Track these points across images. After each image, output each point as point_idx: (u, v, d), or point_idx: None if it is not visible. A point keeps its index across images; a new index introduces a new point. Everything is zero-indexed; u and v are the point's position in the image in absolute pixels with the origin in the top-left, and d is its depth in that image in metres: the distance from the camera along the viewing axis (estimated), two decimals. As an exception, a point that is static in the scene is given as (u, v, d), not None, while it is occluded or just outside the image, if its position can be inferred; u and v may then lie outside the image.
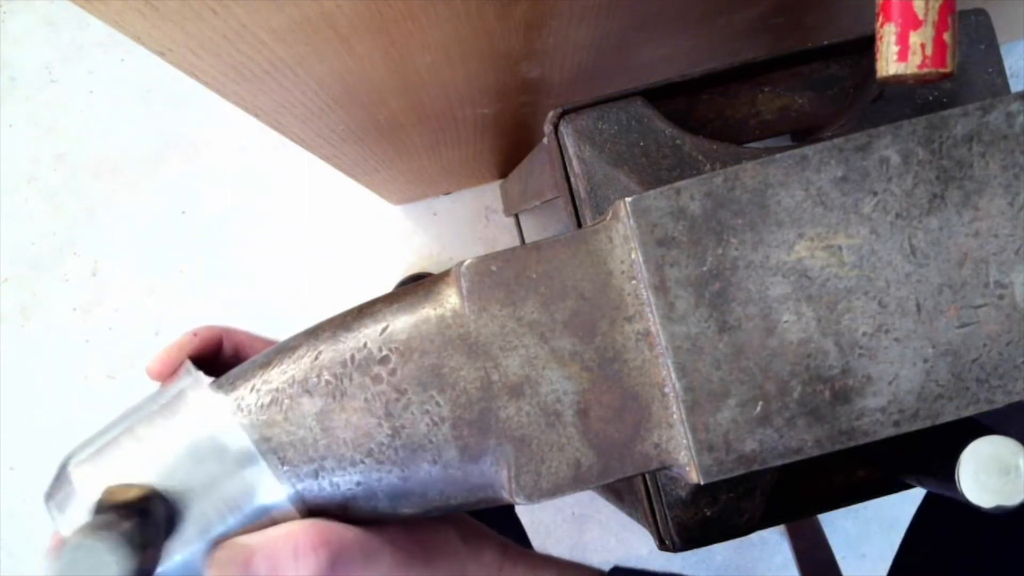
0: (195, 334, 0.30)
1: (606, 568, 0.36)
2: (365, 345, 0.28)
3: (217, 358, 0.31)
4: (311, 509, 0.27)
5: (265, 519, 0.27)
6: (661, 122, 0.44)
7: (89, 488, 0.26)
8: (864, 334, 0.27)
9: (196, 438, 0.27)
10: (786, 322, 0.27)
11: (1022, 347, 0.27)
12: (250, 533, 0.27)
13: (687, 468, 0.27)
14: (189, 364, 0.29)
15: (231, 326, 0.32)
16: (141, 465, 0.26)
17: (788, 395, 0.27)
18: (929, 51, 0.32)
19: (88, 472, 0.27)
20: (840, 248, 0.27)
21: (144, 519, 0.25)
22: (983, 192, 0.27)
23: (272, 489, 0.27)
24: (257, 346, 0.32)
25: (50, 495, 0.27)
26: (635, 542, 1.07)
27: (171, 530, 0.26)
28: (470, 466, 0.27)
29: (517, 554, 0.33)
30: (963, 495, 0.31)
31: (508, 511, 0.73)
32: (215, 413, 0.27)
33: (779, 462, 0.27)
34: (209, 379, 0.28)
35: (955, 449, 0.32)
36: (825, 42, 0.46)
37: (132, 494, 0.25)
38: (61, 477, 0.27)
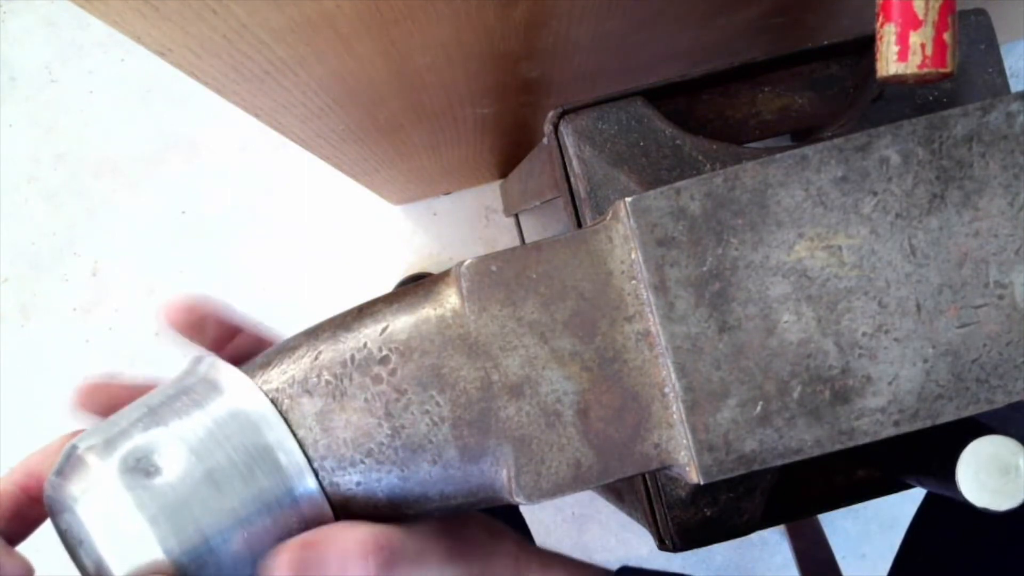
0: (225, 311, 0.30)
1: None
2: (365, 345, 0.28)
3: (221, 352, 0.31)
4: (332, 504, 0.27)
5: (298, 517, 0.26)
6: (661, 122, 0.44)
7: (112, 473, 0.25)
8: (864, 334, 0.27)
9: (232, 421, 0.26)
10: (786, 322, 0.27)
11: (1022, 347, 0.27)
12: (294, 537, 0.26)
13: (687, 468, 0.27)
14: (206, 354, 0.29)
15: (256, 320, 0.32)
16: (176, 449, 0.26)
17: (788, 395, 0.27)
18: (929, 51, 0.32)
19: (108, 457, 0.26)
20: (840, 248, 0.27)
21: None
22: (983, 192, 0.27)
23: (306, 480, 0.27)
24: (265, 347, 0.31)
25: (60, 476, 0.26)
26: (635, 542, 1.07)
27: None
28: (470, 466, 0.27)
29: (530, 549, 0.34)
30: (963, 495, 0.31)
31: (514, 511, 0.73)
32: (250, 392, 0.27)
33: (779, 462, 0.27)
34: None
35: (955, 449, 0.32)
36: (825, 42, 0.46)
37: None
38: (71, 461, 0.26)
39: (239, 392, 0.27)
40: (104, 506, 0.25)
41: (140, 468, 0.25)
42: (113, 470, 0.25)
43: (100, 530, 0.25)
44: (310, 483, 0.27)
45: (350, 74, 0.47)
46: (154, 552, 0.25)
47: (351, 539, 0.26)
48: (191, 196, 1.10)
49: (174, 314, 0.29)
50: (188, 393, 0.27)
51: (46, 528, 0.28)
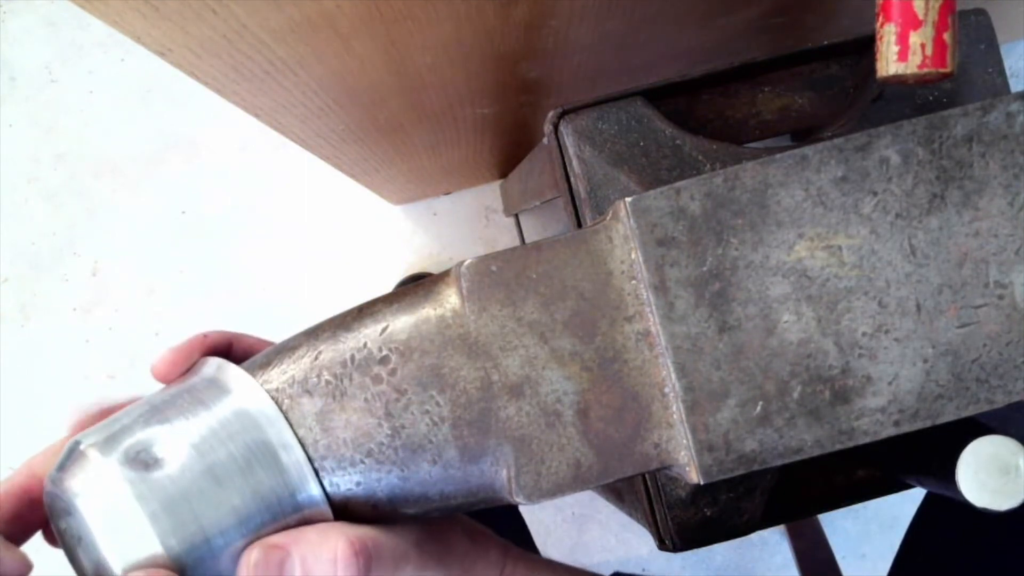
0: (205, 336, 0.30)
1: (605, 570, 0.36)
2: (365, 345, 0.28)
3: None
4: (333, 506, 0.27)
5: (298, 516, 0.27)
6: (661, 122, 0.44)
7: (112, 466, 0.25)
8: (864, 334, 0.27)
9: (236, 421, 0.26)
10: (786, 322, 0.27)
11: (1022, 347, 0.27)
12: (282, 532, 0.26)
13: (687, 468, 0.27)
14: (212, 358, 0.29)
15: (241, 332, 0.32)
16: (177, 445, 0.26)
17: (788, 395, 0.27)
18: (929, 51, 0.32)
19: (110, 452, 0.26)
20: (840, 248, 0.27)
21: None
22: (983, 192, 0.27)
23: (308, 481, 0.27)
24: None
25: (61, 471, 0.26)
26: (635, 542, 1.07)
27: None
28: (470, 466, 0.27)
29: (518, 555, 0.34)
30: (963, 495, 0.31)
31: (512, 511, 0.73)
32: (257, 397, 0.27)
33: (779, 462, 0.27)
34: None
35: (955, 449, 0.32)
36: (825, 42, 0.46)
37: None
38: (75, 459, 0.26)
39: (243, 391, 0.27)
40: (105, 500, 0.25)
41: (140, 460, 0.25)
42: (114, 464, 0.25)
43: (100, 525, 0.25)
44: (310, 482, 0.27)
45: (350, 74, 0.47)
46: (154, 548, 0.25)
47: (325, 545, 0.26)
48: (191, 196, 1.10)
49: (164, 369, 0.29)
50: (192, 392, 0.27)
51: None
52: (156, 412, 0.27)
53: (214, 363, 0.29)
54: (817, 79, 0.48)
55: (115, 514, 0.25)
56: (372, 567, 0.26)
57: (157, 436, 0.26)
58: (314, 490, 0.27)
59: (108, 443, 0.26)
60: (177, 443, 0.26)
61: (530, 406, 0.27)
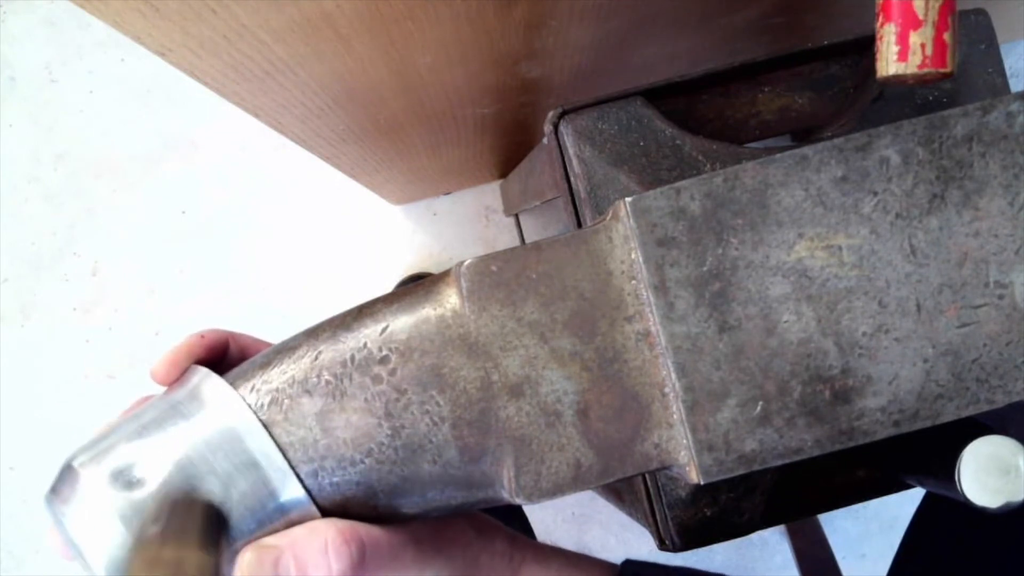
0: (202, 336, 0.30)
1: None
2: (365, 345, 0.28)
3: (222, 361, 0.31)
4: (322, 508, 0.27)
5: (284, 520, 0.27)
6: (661, 122, 0.44)
7: (98, 486, 0.26)
8: (864, 334, 0.27)
9: (215, 433, 0.27)
10: (786, 322, 0.27)
11: (1022, 347, 0.27)
12: (274, 534, 0.26)
13: (687, 468, 0.27)
14: (198, 367, 0.29)
15: (236, 330, 0.32)
16: (158, 462, 0.26)
17: (788, 395, 0.27)
18: (929, 51, 0.32)
19: (96, 471, 0.26)
20: (840, 248, 0.27)
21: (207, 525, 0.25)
22: (983, 192, 0.27)
23: (291, 486, 0.27)
24: (263, 349, 0.32)
25: (54, 492, 0.27)
26: (635, 542, 1.07)
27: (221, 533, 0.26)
28: (470, 466, 0.27)
29: (526, 544, 0.34)
30: (963, 495, 0.31)
31: (516, 509, 0.73)
32: (234, 408, 0.27)
33: (779, 462, 0.27)
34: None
35: (955, 449, 0.32)
36: (825, 42, 0.46)
37: (196, 509, 0.25)
38: (66, 476, 0.27)
39: (222, 404, 0.27)
40: (89, 519, 0.26)
41: (123, 480, 0.26)
42: (98, 484, 0.26)
43: (87, 543, 0.26)
44: (293, 484, 0.27)
45: (350, 74, 0.47)
46: None
47: (315, 538, 0.26)
48: (191, 196, 1.10)
49: (163, 372, 0.29)
50: (176, 407, 0.28)
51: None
52: (141, 429, 0.27)
53: (198, 374, 0.29)
54: (817, 79, 0.48)
55: (100, 534, 0.25)
56: (366, 557, 0.26)
57: (140, 455, 0.26)
58: (297, 492, 0.27)
59: (95, 462, 0.26)
60: (159, 461, 0.26)
61: (530, 406, 0.27)
